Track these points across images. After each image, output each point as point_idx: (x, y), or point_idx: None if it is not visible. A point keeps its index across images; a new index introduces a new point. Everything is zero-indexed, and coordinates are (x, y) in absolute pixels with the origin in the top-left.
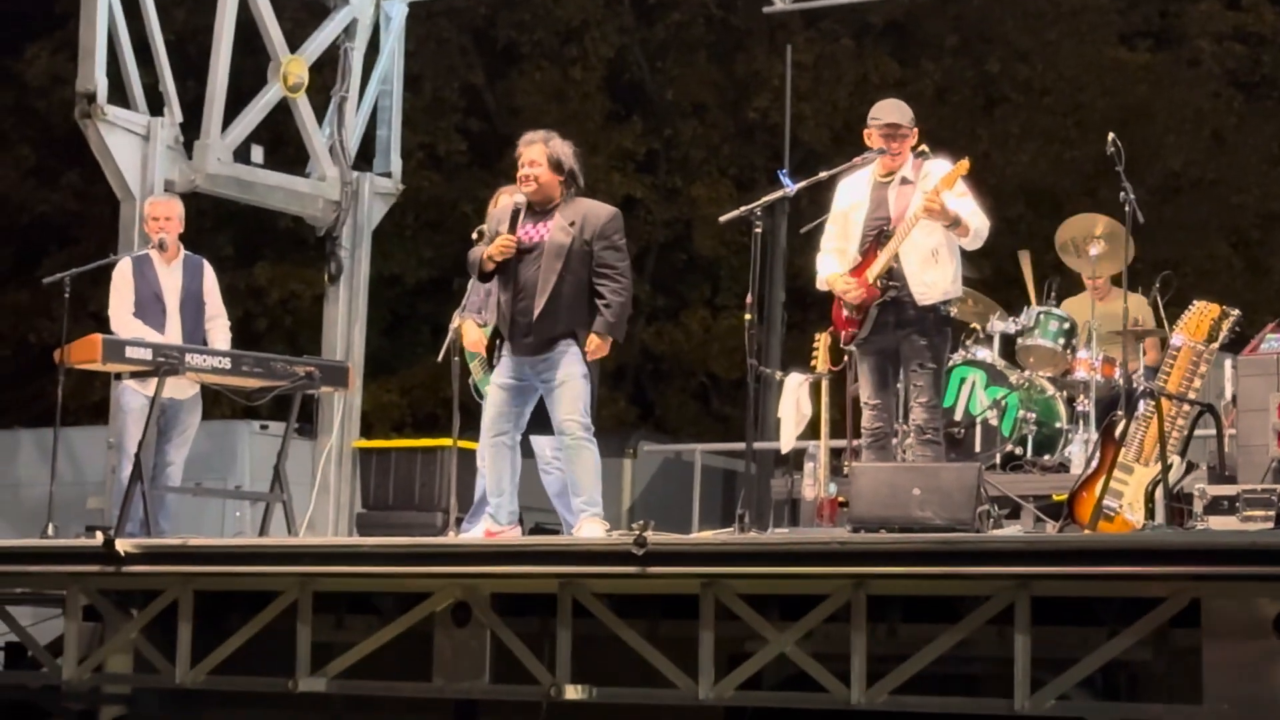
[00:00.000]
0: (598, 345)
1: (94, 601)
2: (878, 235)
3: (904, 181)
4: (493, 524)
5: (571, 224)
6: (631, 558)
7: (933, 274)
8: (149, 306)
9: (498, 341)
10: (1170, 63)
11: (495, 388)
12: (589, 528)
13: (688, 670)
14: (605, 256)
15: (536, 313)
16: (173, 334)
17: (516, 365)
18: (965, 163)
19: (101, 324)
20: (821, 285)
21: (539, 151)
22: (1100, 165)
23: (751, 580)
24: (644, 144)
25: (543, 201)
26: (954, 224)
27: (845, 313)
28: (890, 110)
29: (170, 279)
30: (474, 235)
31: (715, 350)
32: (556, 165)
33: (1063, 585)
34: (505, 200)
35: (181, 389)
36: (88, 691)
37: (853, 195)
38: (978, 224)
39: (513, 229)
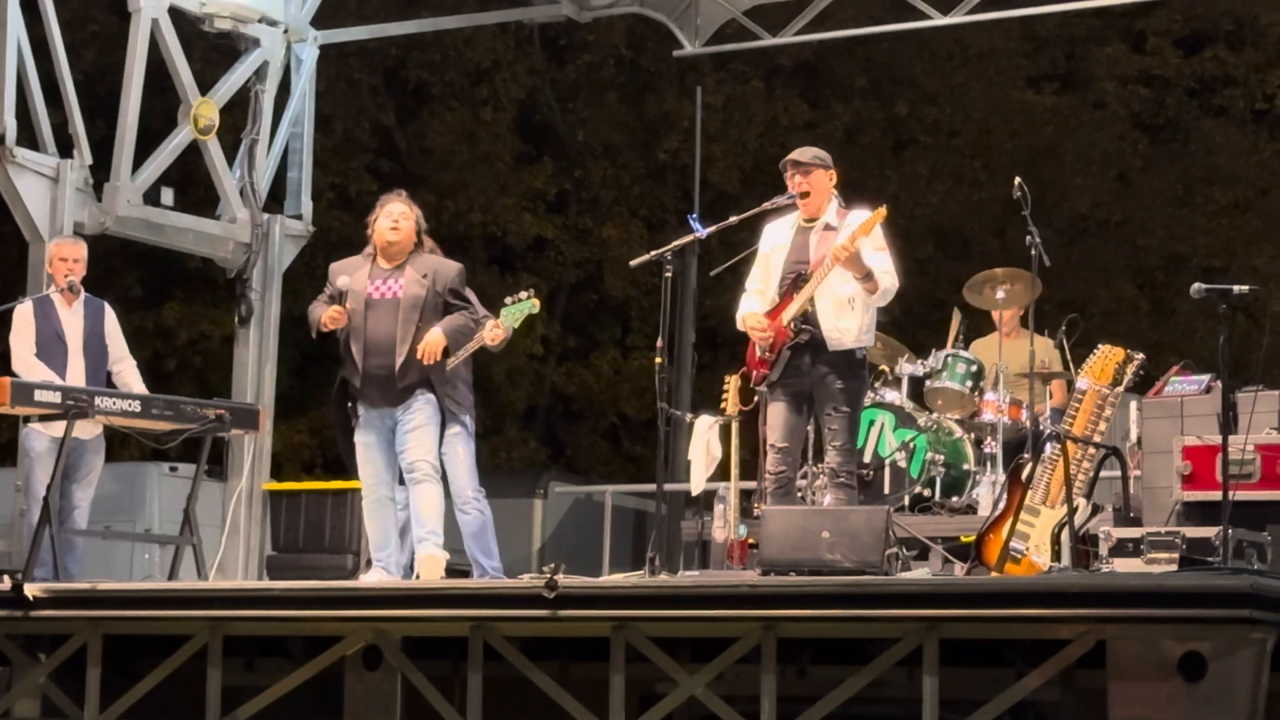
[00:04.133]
0: (433, 341)
1: (1, 646)
2: (795, 279)
3: (827, 228)
4: (384, 575)
5: (424, 276)
6: (542, 600)
7: (846, 321)
8: (51, 348)
9: (349, 404)
10: (1076, 105)
11: (362, 447)
12: (430, 558)
13: (598, 713)
14: (455, 305)
15: (397, 364)
16: (75, 375)
17: (379, 419)
18: (883, 210)
19: (8, 364)
20: (739, 325)
21: (408, 209)
22: (1009, 206)
23: (662, 623)
24: (555, 184)
25: (396, 255)
26: (865, 278)
27: (758, 353)
28: (795, 151)
29: (72, 320)
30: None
31: (626, 391)
32: (419, 225)
33: (970, 627)
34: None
35: (85, 430)
36: None
37: (775, 238)
38: (888, 284)
39: (342, 300)
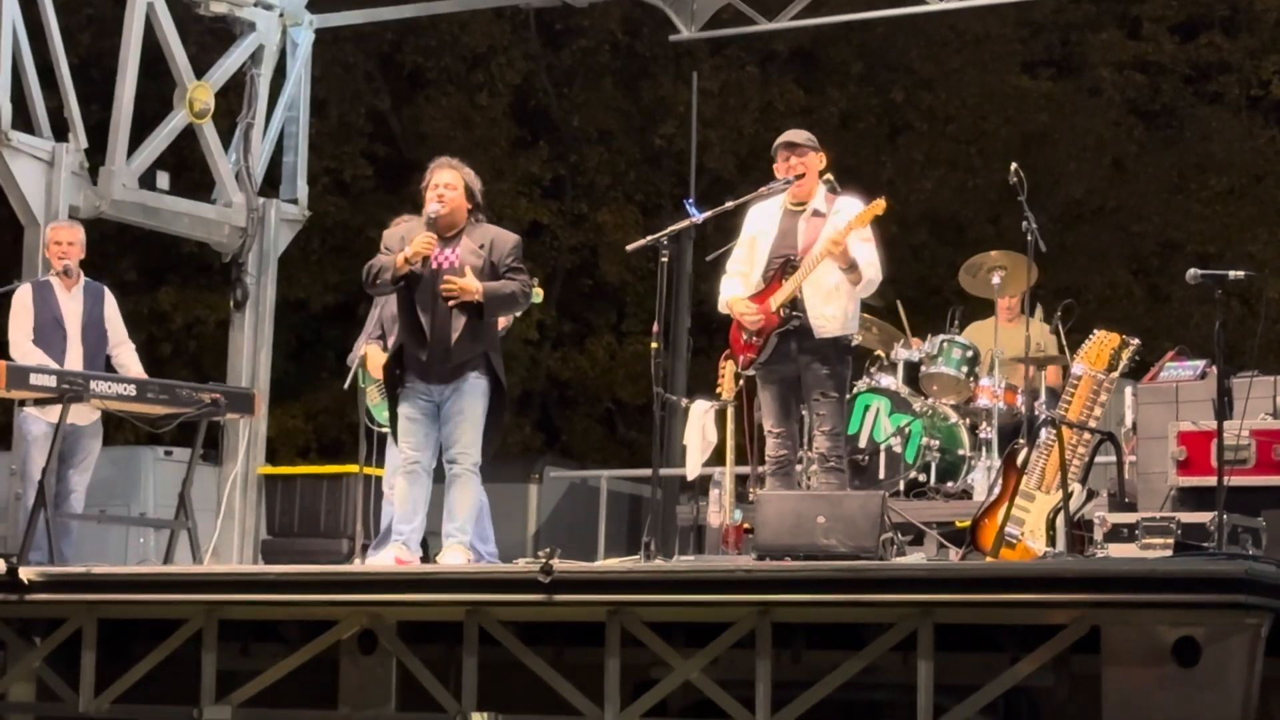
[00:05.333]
0: (467, 284)
1: None
2: (783, 264)
3: (815, 214)
4: (404, 551)
5: (481, 246)
6: (538, 585)
7: (832, 308)
8: (50, 332)
9: (397, 371)
10: (1072, 91)
11: (404, 419)
12: (451, 554)
13: (594, 697)
14: (509, 275)
15: (454, 336)
16: (73, 360)
17: (426, 391)
18: (880, 203)
19: (5, 350)
20: (722, 308)
21: (454, 176)
22: (1003, 192)
23: (657, 608)
24: (550, 170)
25: (447, 226)
26: (850, 268)
27: (744, 337)
28: (788, 133)
29: (71, 305)
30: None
31: (621, 376)
32: (469, 192)
33: (965, 612)
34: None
35: (83, 415)
36: None
37: (761, 222)
38: (871, 275)
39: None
